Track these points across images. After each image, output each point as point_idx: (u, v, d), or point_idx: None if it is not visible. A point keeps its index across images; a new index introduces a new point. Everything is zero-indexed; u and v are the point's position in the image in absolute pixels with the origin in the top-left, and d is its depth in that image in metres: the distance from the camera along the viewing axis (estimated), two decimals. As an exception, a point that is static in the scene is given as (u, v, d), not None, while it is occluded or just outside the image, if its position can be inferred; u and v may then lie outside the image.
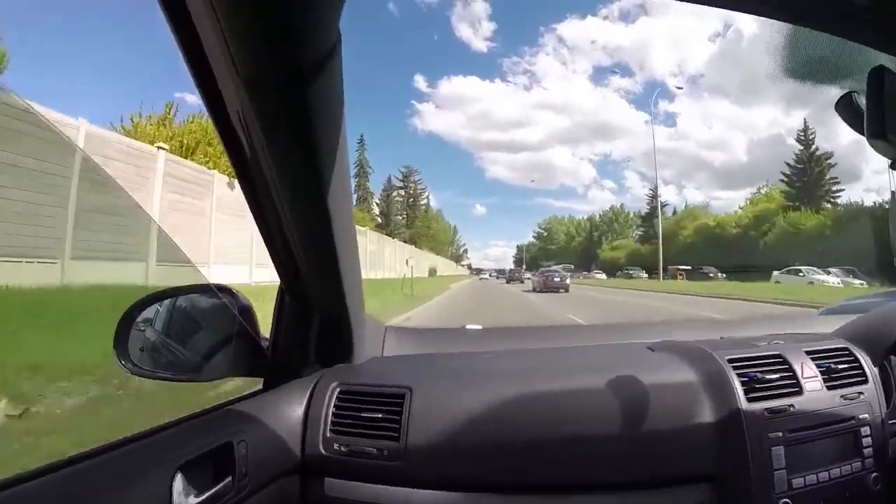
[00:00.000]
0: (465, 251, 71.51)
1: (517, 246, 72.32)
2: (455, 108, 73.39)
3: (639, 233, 56.07)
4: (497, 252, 79.51)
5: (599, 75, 70.90)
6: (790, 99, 43.92)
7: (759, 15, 0.69)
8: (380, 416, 0.93)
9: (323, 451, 0.92)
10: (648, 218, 52.31)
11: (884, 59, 0.77)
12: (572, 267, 42.98)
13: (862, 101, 0.68)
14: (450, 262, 59.62)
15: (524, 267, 54.18)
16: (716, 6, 0.68)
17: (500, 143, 76.69)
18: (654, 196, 50.57)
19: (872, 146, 0.66)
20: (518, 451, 0.91)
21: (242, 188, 0.78)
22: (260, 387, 1.01)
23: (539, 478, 0.92)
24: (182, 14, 0.54)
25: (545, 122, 72.63)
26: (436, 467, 0.91)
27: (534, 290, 22.13)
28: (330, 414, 0.95)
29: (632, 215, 60.18)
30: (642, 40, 65.31)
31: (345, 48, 0.61)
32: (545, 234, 69.72)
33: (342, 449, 0.92)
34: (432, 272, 41.55)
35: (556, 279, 21.71)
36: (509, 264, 65.33)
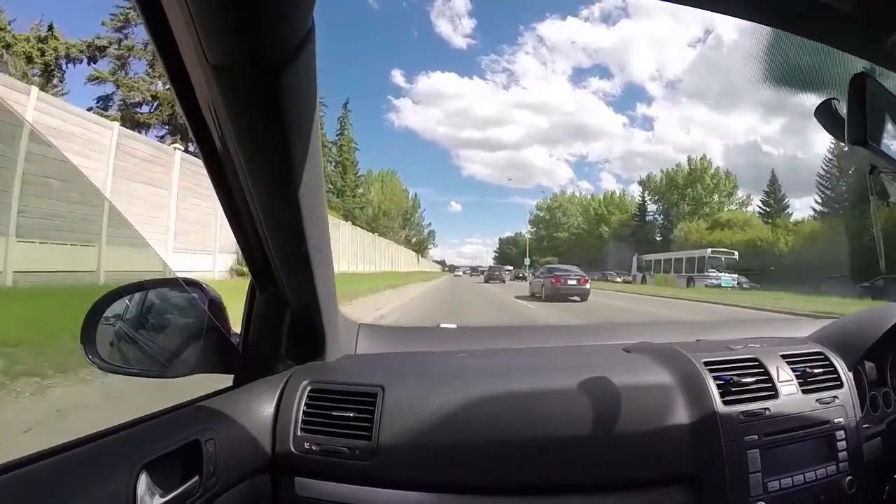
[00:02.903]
0: (432, 235, 57.92)
1: (499, 239, 68.82)
2: (433, 104, 69.35)
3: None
4: (472, 250, 78.28)
5: (579, 76, 69.80)
6: (768, 106, 44.58)
7: (742, 18, 0.69)
8: (351, 414, 0.92)
9: (294, 450, 0.91)
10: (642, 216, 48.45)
11: (860, 66, 0.78)
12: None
13: (841, 108, 0.69)
14: (406, 253, 45.20)
15: (515, 265, 46.69)
16: (699, 7, 0.68)
17: (478, 142, 74.40)
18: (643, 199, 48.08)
19: (853, 152, 0.67)
20: (491, 452, 0.90)
21: (211, 180, 0.76)
22: (230, 383, 0.99)
23: (513, 479, 0.91)
24: None
25: (523, 121, 69.05)
26: (408, 467, 0.90)
27: (532, 295, 16.27)
28: (301, 412, 0.93)
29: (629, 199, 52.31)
30: (622, 43, 64.45)
31: (320, 40, 0.59)
32: (547, 217, 58.22)
33: (313, 448, 0.90)
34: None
35: (571, 282, 15.35)
36: (484, 261, 61.63)
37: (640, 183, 51.16)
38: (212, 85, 0.57)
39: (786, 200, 40.77)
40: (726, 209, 42.60)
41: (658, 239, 45.70)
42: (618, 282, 33.90)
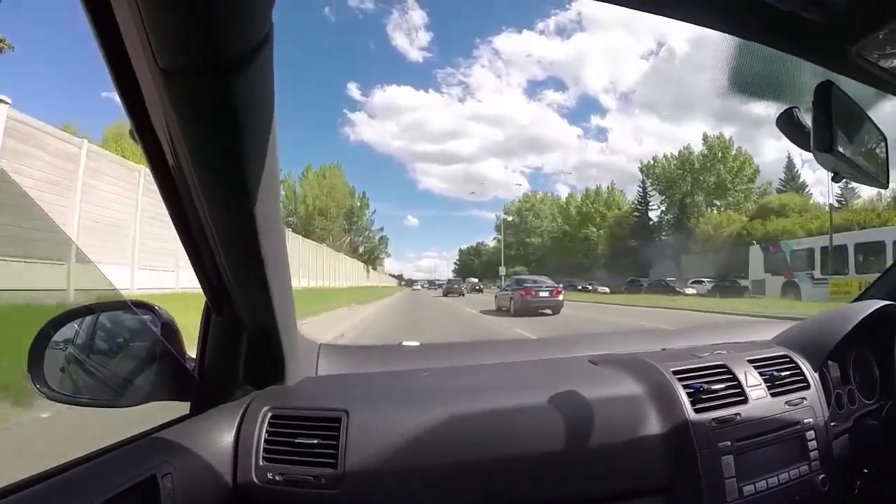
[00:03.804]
0: (384, 241, 49.42)
1: (459, 250, 67.83)
2: (388, 117, 69.29)
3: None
4: (430, 263, 78.39)
5: (534, 89, 71.03)
6: (719, 116, 43.31)
7: (708, 27, 0.70)
8: (315, 441, 0.89)
9: (256, 481, 0.87)
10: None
11: (809, 75, 0.81)
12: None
13: (803, 116, 0.70)
14: (352, 264, 36.67)
15: (479, 278, 45.07)
16: (668, 16, 0.69)
17: (434, 155, 74.38)
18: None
19: (818, 160, 0.68)
20: (462, 474, 0.88)
21: (161, 193, 0.72)
22: (187, 411, 0.94)
23: (484, 501, 0.90)
24: None
25: (479, 134, 70.70)
26: (376, 494, 0.87)
27: (499, 309, 15.22)
28: (262, 440, 0.89)
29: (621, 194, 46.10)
30: (577, 55, 65.68)
31: (275, 52, 0.55)
32: (516, 221, 52.48)
33: (277, 478, 0.87)
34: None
35: (543, 293, 14.31)
36: (442, 275, 59.92)
37: (642, 169, 43.46)
38: (161, 91, 0.53)
39: (807, 189, 35.97)
40: (753, 198, 36.63)
41: (664, 237, 39.92)
42: (601, 292, 28.61)
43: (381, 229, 48.99)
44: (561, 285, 15.98)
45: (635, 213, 43.15)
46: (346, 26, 63.69)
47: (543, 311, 13.92)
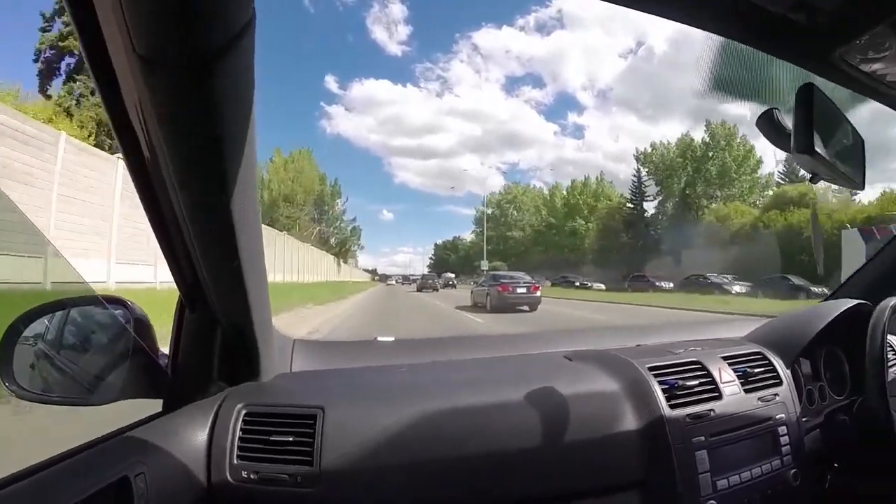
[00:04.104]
0: (356, 233, 45.49)
1: (434, 245, 66.33)
2: (366, 111, 69.04)
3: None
4: (405, 258, 77.38)
5: (512, 85, 71.09)
6: (696, 116, 42.41)
7: (694, 26, 0.70)
8: (290, 439, 0.87)
9: (231, 480, 0.85)
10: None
11: (787, 77, 0.82)
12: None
13: (783, 117, 0.70)
14: (320, 257, 33.14)
15: (456, 274, 42.19)
16: (657, 15, 0.69)
17: (410, 149, 74.09)
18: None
19: (798, 161, 0.69)
20: (438, 470, 0.88)
21: (136, 185, 0.69)
22: (159, 409, 0.92)
23: (462, 496, 0.90)
24: None
25: (456, 129, 70.80)
26: (353, 492, 0.86)
27: (475, 305, 14.97)
28: (237, 438, 0.88)
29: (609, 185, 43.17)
30: (556, 52, 65.22)
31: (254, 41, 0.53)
32: (497, 213, 50.20)
33: (252, 476, 0.85)
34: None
35: (521, 290, 13.95)
36: (417, 270, 58.99)
37: (637, 157, 39.48)
38: (139, 79, 0.51)
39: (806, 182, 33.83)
40: (758, 189, 33.84)
41: (660, 230, 36.36)
42: (597, 289, 25.64)
43: (354, 219, 45.73)
44: (549, 282, 15.17)
45: (629, 205, 39.51)
46: (325, 18, 63.12)
47: (521, 307, 13.54)
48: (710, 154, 35.06)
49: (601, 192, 43.80)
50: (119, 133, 0.62)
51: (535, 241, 46.79)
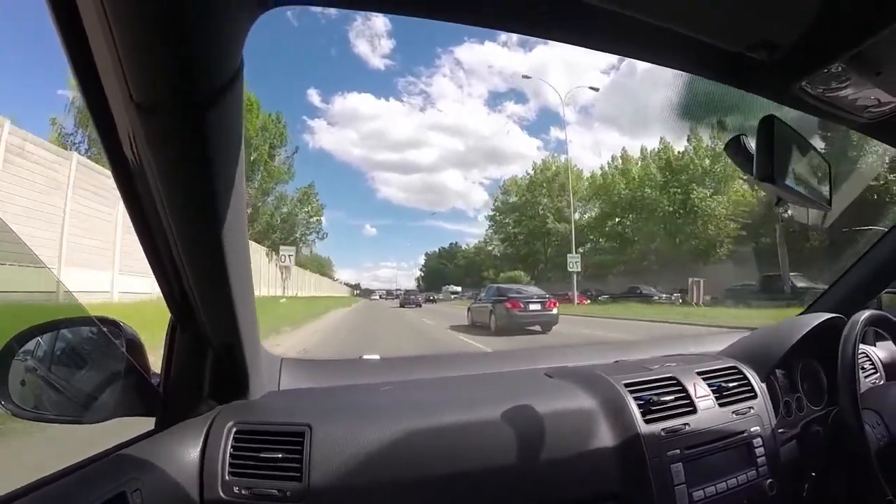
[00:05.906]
0: (315, 210, 28.35)
1: (425, 254, 63.80)
2: (348, 125, 66.90)
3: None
4: (388, 273, 75.72)
5: (495, 100, 69.07)
6: (678, 132, 43.89)
7: (658, 64, 0.73)
8: (280, 455, 0.90)
9: (223, 496, 0.87)
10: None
11: (757, 102, 0.85)
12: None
13: (750, 143, 0.73)
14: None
15: (451, 287, 40.98)
16: (620, 55, 0.72)
17: (393, 164, 70.14)
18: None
19: (761, 188, 0.72)
20: (422, 487, 0.90)
21: (130, 215, 0.72)
22: (152, 427, 0.94)
23: None
24: (75, 28, 0.49)
25: (439, 144, 67.11)
26: None
27: (473, 325, 12.57)
28: (228, 455, 0.90)
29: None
30: (539, 68, 64.25)
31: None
32: (523, 200, 35.52)
33: (243, 492, 0.87)
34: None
35: (534, 306, 11.34)
36: (401, 285, 57.52)
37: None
38: (135, 123, 0.55)
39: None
40: None
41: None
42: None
43: (311, 186, 29.10)
44: (550, 297, 11.81)
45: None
46: (307, 31, 62.43)
47: (532, 327, 11.11)
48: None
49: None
50: (115, 171, 0.66)
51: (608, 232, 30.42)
